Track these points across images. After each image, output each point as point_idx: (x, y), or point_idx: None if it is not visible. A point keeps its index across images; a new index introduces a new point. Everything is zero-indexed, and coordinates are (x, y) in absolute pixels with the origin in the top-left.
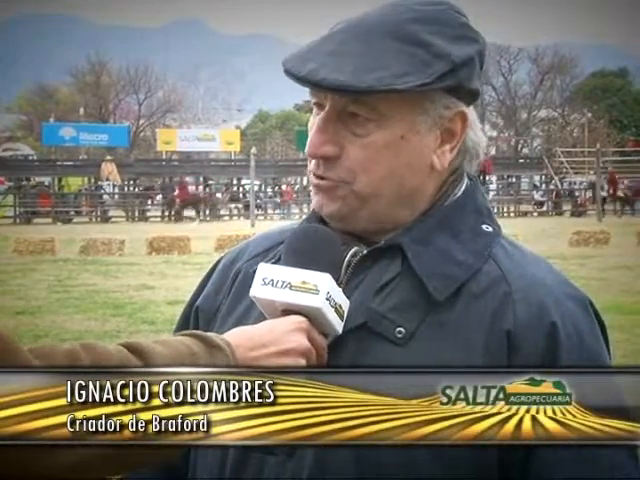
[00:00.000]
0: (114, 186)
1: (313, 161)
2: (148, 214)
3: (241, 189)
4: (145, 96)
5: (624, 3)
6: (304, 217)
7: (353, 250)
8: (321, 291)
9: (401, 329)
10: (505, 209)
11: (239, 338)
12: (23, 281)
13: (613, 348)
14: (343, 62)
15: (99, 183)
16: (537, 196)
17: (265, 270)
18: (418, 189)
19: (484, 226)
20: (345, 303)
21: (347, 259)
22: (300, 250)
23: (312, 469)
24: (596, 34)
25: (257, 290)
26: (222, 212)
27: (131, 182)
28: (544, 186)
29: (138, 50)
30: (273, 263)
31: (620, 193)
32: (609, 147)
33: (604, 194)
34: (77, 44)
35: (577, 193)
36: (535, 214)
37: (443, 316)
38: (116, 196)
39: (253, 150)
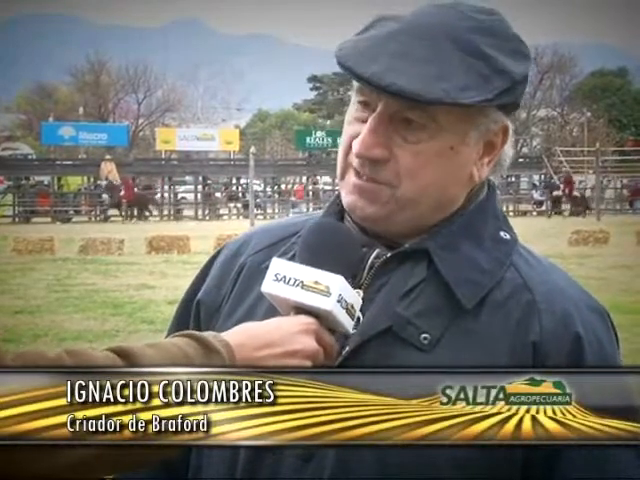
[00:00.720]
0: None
1: (357, 161)
2: (147, 213)
3: (240, 188)
4: (144, 95)
5: (623, 3)
6: (306, 212)
7: (376, 252)
8: (333, 293)
9: (426, 335)
10: (504, 208)
11: (242, 336)
12: (22, 280)
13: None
14: (409, 67)
15: (98, 182)
16: (536, 195)
17: (278, 266)
18: (455, 198)
19: (502, 233)
20: (357, 303)
21: (370, 261)
22: (316, 247)
23: (334, 469)
24: (595, 33)
25: (269, 285)
26: (222, 211)
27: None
28: (543, 185)
29: (137, 49)
30: (283, 258)
31: (576, 193)
32: (608, 146)
33: (559, 193)
34: (76, 43)
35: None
36: (534, 213)
37: (468, 324)
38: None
39: (252, 149)
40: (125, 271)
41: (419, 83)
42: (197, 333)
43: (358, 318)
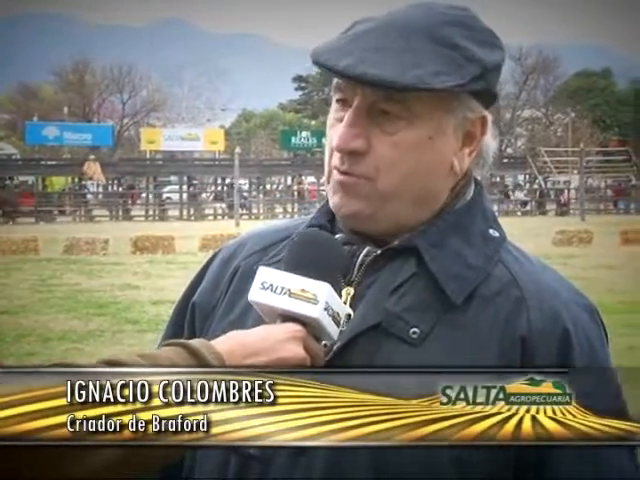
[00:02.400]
0: (98, 185)
1: (337, 157)
2: (132, 213)
3: (225, 188)
4: (129, 95)
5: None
6: (298, 215)
7: (366, 250)
8: (320, 301)
9: (416, 330)
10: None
11: (232, 344)
12: (6, 280)
13: None
14: (382, 58)
15: (83, 182)
16: (521, 195)
17: (265, 274)
18: (436, 191)
19: (491, 231)
20: (343, 311)
21: (360, 258)
22: (301, 256)
23: (326, 463)
24: (580, 34)
25: (255, 294)
26: (207, 211)
27: (115, 181)
28: (528, 185)
29: (122, 49)
30: (271, 264)
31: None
32: (592, 147)
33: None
34: (61, 43)
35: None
36: (519, 213)
37: (457, 318)
38: (100, 195)
39: (237, 149)
40: (109, 271)
41: (392, 71)
42: (190, 344)
43: (349, 315)
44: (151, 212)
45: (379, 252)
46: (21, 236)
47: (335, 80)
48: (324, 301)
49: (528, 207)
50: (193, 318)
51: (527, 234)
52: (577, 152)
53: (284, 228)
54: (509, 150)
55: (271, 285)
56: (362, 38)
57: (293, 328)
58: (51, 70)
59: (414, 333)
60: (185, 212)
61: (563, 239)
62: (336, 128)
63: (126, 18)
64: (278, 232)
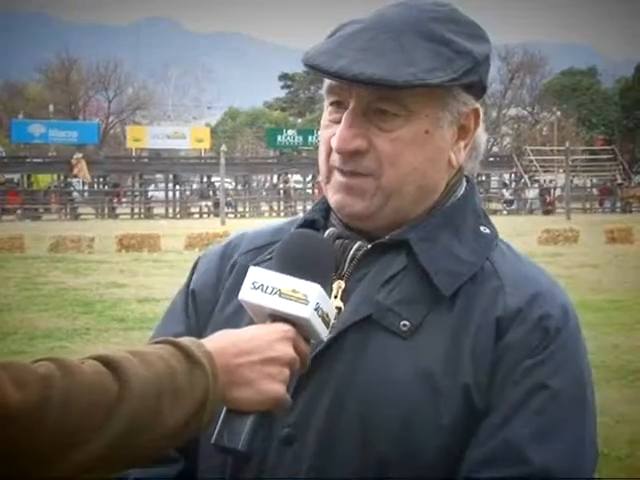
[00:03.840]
0: (83, 183)
1: (338, 158)
2: (118, 211)
3: (210, 186)
4: (115, 93)
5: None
6: (284, 213)
7: (357, 244)
8: (310, 301)
9: (406, 322)
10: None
11: (223, 343)
12: None
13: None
14: (375, 57)
15: (68, 180)
16: (507, 194)
17: (255, 274)
18: (435, 185)
19: (482, 227)
20: (332, 312)
21: (352, 253)
22: (291, 256)
23: (315, 452)
24: (566, 33)
25: (246, 293)
26: (192, 210)
27: (100, 179)
28: (514, 184)
29: (108, 47)
30: (265, 261)
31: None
32: (578, 146)
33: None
34: (46, 40)
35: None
36: (505, 212)
37: (445, 311)
38: (85, 193)
39: (223, 147)
40: (95, 269)
41: (387, 70)
42: (179, 341)
43: (340, 309)
44: (137, 210)
45: (369, 246)
46: (6, 234)
47: (328, 83)
48: (315, 302)
49: (514, 206)
50: (195, 304)
51: (513, 232)
52: (563, 151)
53: (280, 229)
54: (495, 149)
55: (262, 285)
56: (353, 39)
57: (283, 328)
58: (37, 68)
59: (404, 326)
60: (171, 210)
61: (549, 238)
62: (332, 129)
63: (112, 16)
64: (274, 232)
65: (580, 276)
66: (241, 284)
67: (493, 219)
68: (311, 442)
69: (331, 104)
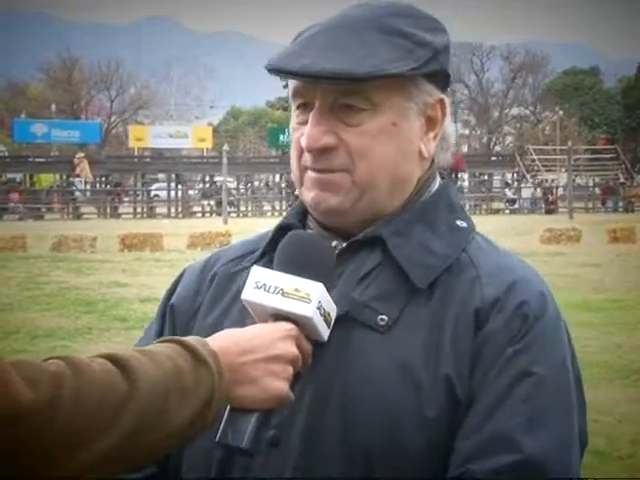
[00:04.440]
0: (86, 183)
1: (309, 157)
2: (120, 211)
3: (213, 186)
4: (117, 92)
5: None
6: (282, 217)
7: (334, 243)
8: (313, 300)
9: (383, 317)
10: (477, 206)
11: (227, 342)
12: None
13: (582, 345)
14: (336, 54)
15: (71, 179)
16: (509, 194)
17: (258, 274)
18: (408, 177)
19: (458, 221)
20: (333, 311)
21: None
22: (292, 256)
23: (300, 454)
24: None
25: (249, 293)
26: (195, 209)
27: (103, 179)
28: (516, 184)
29: (110, 46)
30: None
31: None
32: (580, 145)
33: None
34: (48, 40)
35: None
36: (507, 211)
37: (422, 304)
38: (88, 193)
39: (225, 147)
40: (97, 269)
41: (348, 64)
42: (185, 340)
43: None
44: (139, 209)
45: (345, 244)
46: (9, 233)
47: (293, 86)
48: (317, 300)
49: (516, 205)
50: (173, 319)
51: (514, 231)
52: (565, 150)
53: (260, 238)
54: (497, 148)
55: (264, 284)
56: (313, 40)
57: (286, 327)
58: (39, 67)
59: (382, 320)
60: (173, 209)
61: (551, 237)
62: (301, 131)
63: (113, 16)
64: (254, 241)
65: (582, 275)
66: (223, 293)
67: (495, 218)
68: (296, 442)
69: (298, 107)
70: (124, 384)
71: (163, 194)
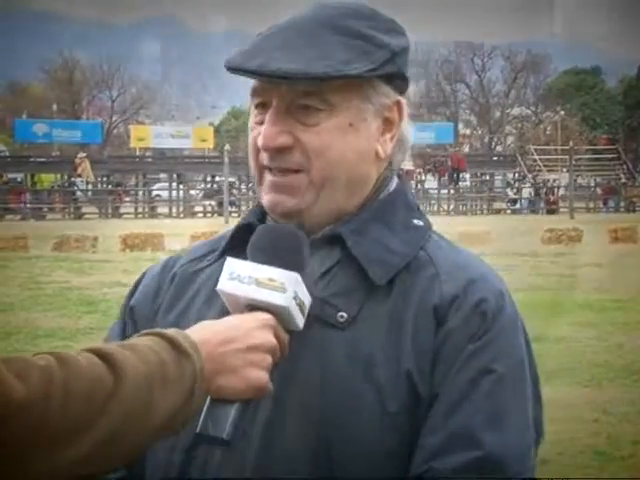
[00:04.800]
0: (87, 183)
1: (266, 156)
2: (121, 211)
3: (215, 185)
4: (118, 93)
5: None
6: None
7: None
8: (288, 289)
9: (343, 314)
10: (478, 206)
11: (205, 333)
12: None
13: (583, 345)
14: (293, 54)
15: (72, 179)
16: (510, 194)
17: (233, 264)
18: (365, 177)
19: (415, 220)
20: (308, 300)
21: None
22: (266, 246)
23: (258, 453)
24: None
25: (224, 284)
26: (196, 209)
27: (104, 179)
28: (517, 184)
29: (111, 46)
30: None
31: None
32: (582, 145)
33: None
34: (49, 40)
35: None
36: (508, 211)
37: (381, 300)
38: (89, 193)
39: (227, 147)
40: (99, 269)
41: (304, 64)
42: (166, 332)
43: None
44: (140, 209)
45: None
46: (10, 233)
47: (252, 86)
48: (292, 290)
49: (517, 205)
50: (134, 320)
51: (515, 232)
52: (566, 150)
53: (219, 238)
54: (498, 148)
55: (239, 275)
56: (270, 39)
57: (263, 316)
58: (40, 67)
59: (342, 317)
60: (175, 209)
61: (552, 237)
62: (258, 130)
63: (115, 15)
64: (214, 241)
65: (584, 276)
66: (182, 293)
67: (496, 218)
68: (256, 439)
69: (256, 107)
70: (110, 377)
71: (164, 194)
